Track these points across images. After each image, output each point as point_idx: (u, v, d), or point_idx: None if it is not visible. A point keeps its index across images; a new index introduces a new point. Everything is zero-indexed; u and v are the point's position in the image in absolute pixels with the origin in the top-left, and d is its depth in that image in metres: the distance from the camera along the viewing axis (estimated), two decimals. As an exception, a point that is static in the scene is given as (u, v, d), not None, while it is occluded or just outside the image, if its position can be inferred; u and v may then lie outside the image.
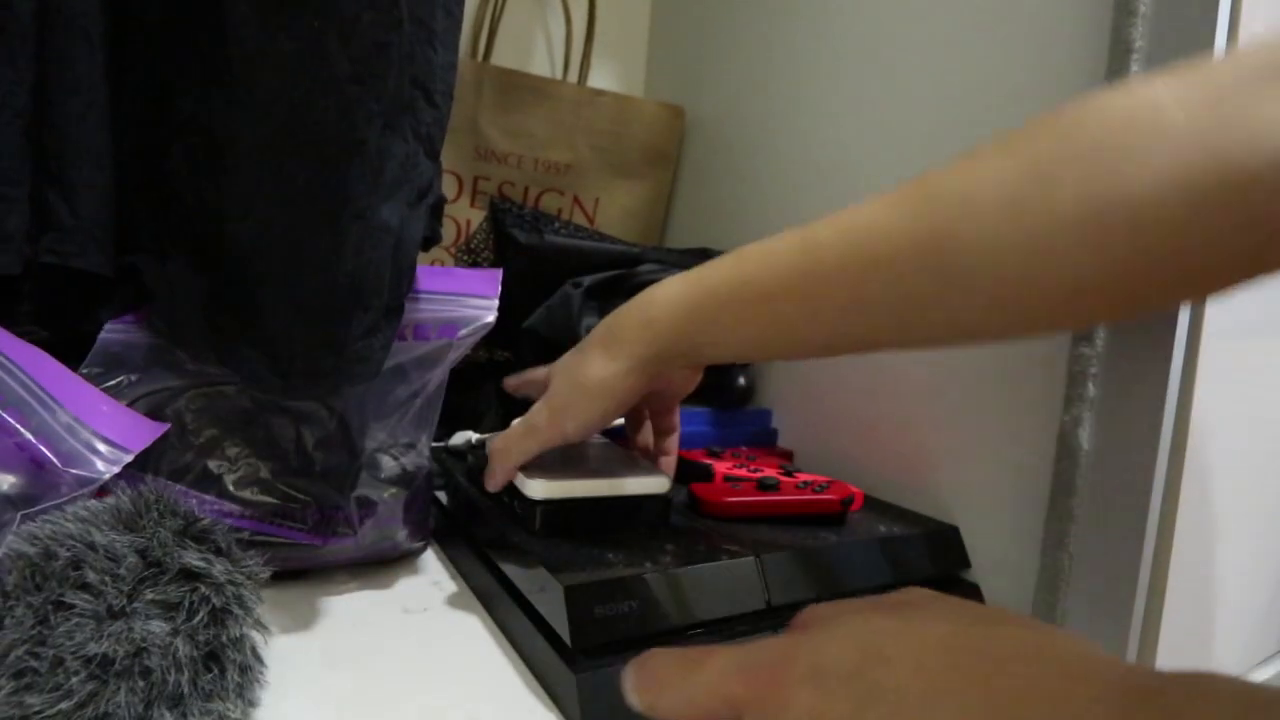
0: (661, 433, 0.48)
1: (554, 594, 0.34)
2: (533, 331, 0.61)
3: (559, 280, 0.62)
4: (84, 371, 0.38)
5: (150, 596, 0.26)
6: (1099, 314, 0.32)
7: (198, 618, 0.26)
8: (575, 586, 0.33)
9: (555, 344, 0.60)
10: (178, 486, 0.38)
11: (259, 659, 0.29)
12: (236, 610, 0.28)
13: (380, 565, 0.45)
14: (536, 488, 0.40)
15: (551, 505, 0.40)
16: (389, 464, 0.43)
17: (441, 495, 0.53)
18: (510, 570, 0.40)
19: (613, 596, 0.34)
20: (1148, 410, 0.37)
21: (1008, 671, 0.18)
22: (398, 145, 0.37)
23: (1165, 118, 0.26)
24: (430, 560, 0.48)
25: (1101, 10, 0.41)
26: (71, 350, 0.38)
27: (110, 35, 0.38)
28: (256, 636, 0.30)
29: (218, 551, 0.29)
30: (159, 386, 0.40)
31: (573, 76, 0.82)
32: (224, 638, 0.27)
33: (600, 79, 0.86)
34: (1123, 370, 0.39)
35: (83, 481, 0.31)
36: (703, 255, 0.66)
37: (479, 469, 0.50)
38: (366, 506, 0.42)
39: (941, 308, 0.30)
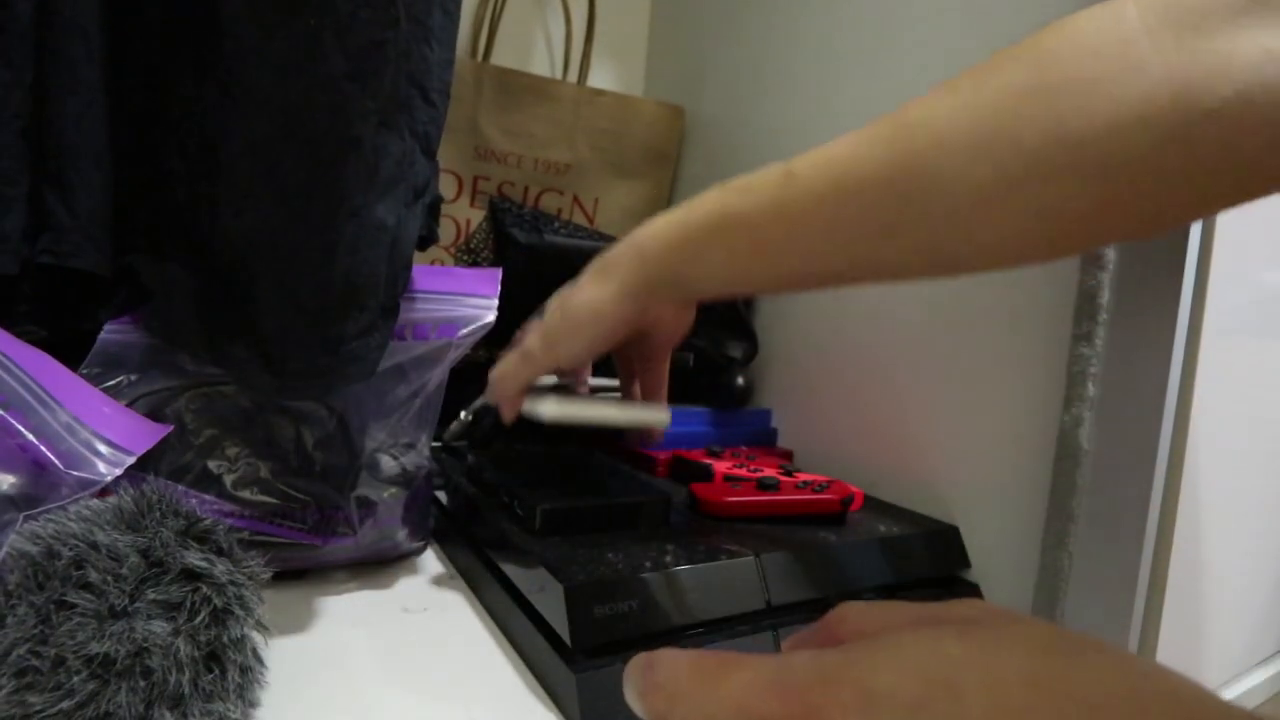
0: (650, 390, 0.48)
1: (554, 594, 0.34)
2: None
3: (559, 280, 0.62)
4: (84, 372, 0.38)
5: (152, 596, 0.26)
6: (1070, 245, 0.32)
7: (199, 618, 0.26)
8: (575, 586, 0.33)
9: None
10: (178, 487, 0.38)
11: (259, 660, 0.29)
12: (238, 611, 0.28)
13: (380, 565, 0.45)
14: (548, 408, 0.40)
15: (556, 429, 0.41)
16: (389, 464, 0.43)
17: (441, 495, 0.53)
18: (510, 570, 0.40)
19: (613, 596, 0.34)
20: (1148, 410, 0.37)
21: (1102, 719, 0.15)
22: (394, 144, 0.37)
23: (1133, 51, 0.27)
24: (430, 560, 0.48)
25: (1101, 10, 0.40)
26: (71, 350, 0.38)
27: (107, 35, 0.38)
28: (257, 637, 0.30)
29: (219, 552, 0.29)
30: (158, 387, 0.40)
31: (572, 76, 0.82)
32: (225, 638, 0.27)
33: (600, 79, 0.86)
34: (1123, 370, 0.39)
35: (85, 483, 0.31)
36: None
37: (478, 469, 0.50)
38: (366, 506, 0.42)
39: (914, 236, 0.31)
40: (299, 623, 0.38)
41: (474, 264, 0.73)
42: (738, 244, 0.36)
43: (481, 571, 0.42)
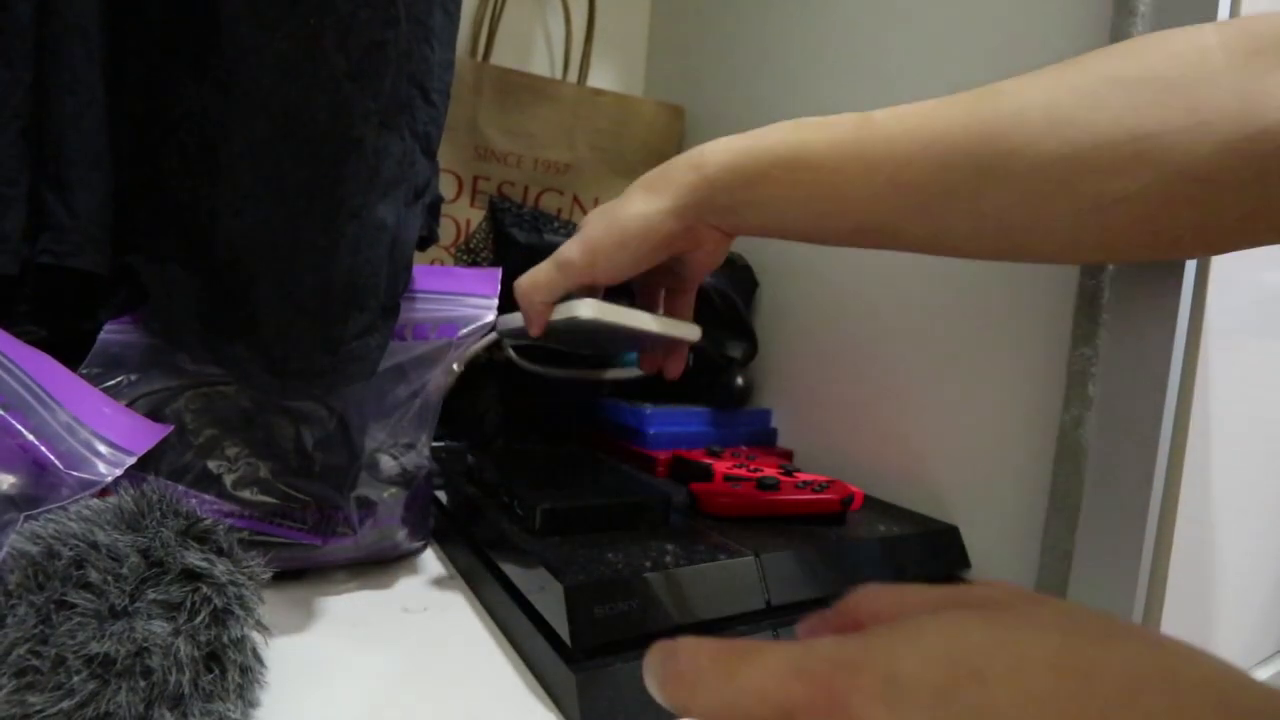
0: (679, 313, 0.47)
1: (554, 594, 0.34)
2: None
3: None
4: (84, 372, 0.38)
5: (152, 596, 0.26)
6: (1120, 249, 0.33)
7: (199, 618, 0.26)
8: (575, 586, 0.33)
9: (554, 344, 0.60)
10: (178, 487, 0.38)
11: (259, 660, 0.29)
12: (238, 611, 0.28)
13: (380, 565, 0.45)
14: (586, 308, 0.38)
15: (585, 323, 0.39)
16: (389, 464, 0.43)
17: (441, 495, 0.53)
18: (510, 570, 0.40)
19: (613, 596, 0.34)
20: (1148, 410, 0.37)
21: (1139, 707, 0.14)
22: (394, 144, 0.37)
23: (1209, 61, 0.29)
24: (430, 560, 0.48)
25: (1101, 10, 0.41)
26: (71, 350, 0.38)
27: (107, 34, 0.38)
28: (257, 637, 0.30)
29: (219, 552, 0.29)
30: (158, 387, 0.40)
31: (572, 76, 0.82)
32: (225, 638, 0.27)
33: (600, 79, 0.86)
34: (1123, 370, 0.39)
35: (85, 484, 0.31)
36: None
37: (479, 469, 0.50)
38: (366, 506, 0.42)
39: (978, 203, 0.32)
40: (299, 623, 0.38)
41: (474, 264, 0.73)
42: (799, 182, 0.35)
43: (481, 571, 0.42)
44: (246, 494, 0.39)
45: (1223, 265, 0.38)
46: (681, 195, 0.37)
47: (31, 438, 0.31)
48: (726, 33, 0.78)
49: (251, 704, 0.29)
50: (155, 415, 0.39)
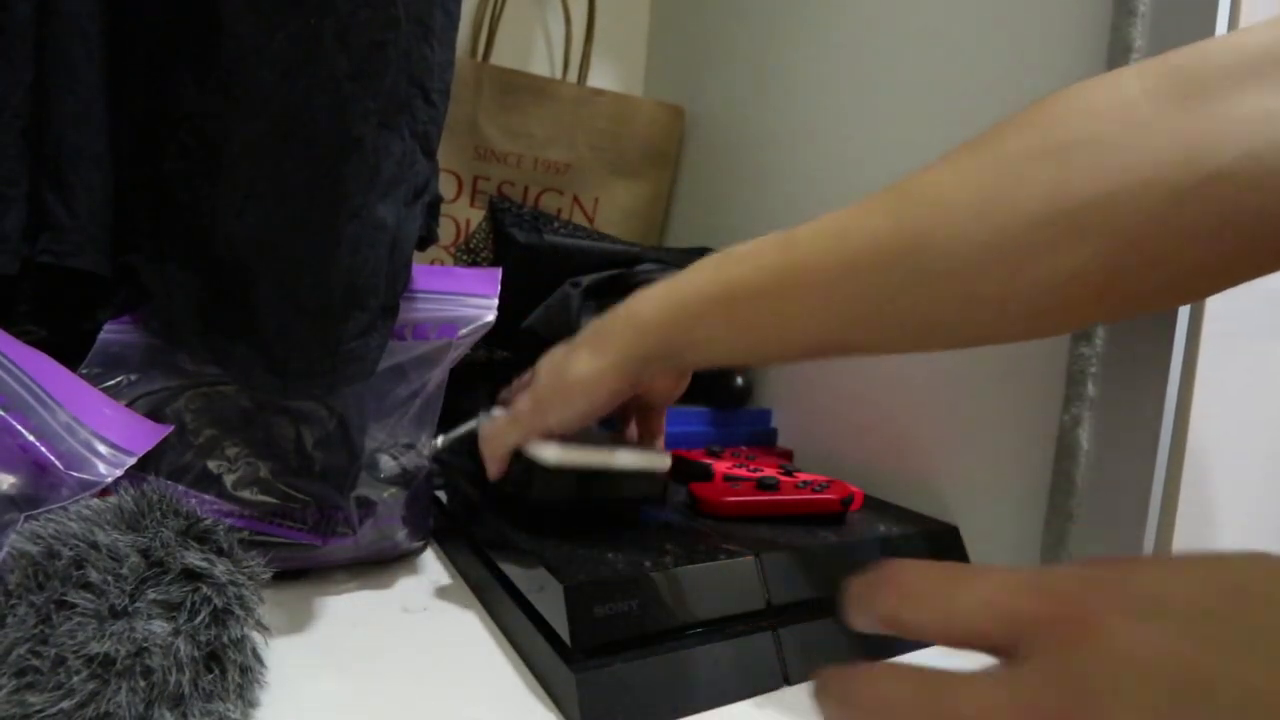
0: (646, 437, 0.49)
1: (554, 594, 0.34)
2: (531, 331, 0.61)
3: (558, 280, 0.63)
4: (83, 372, 0.38)
5: (152, 596, 0.26)
6: (1080, 315, 0.31)
7: (199, 618, 0.26)
8: (575, 586, 0.33)
9: (554, 343, 0.60)
10: (178, 487, 0.38)
11: (259, 660, 0.29)
12: (238, 611, 0.28)
13: (380, 565, 0.45)
14: (550, 453, 0.39)
15: (552, 473, 0.39)
16: (389, 464, 0.43)
17: (441, 495, 0.53)
18: (510, 570, 0.40)
19: (613, 596, 0.34)
20: (1148, 410, 0.38)
21: None
22: (394, 143, 0.37)
23: (1135, 113, 0.27)
24: (430, 560, 0.48)
25: (1101, 10, 0.41)
26: (71, 350, 0.38)
27: (107, 34, 0.38)
28: (257, 637, 0.30)
29: (220, 552, 0.29)
30: (158, 387, 0.40)
31: (572, 76, 0.82)
32: (225, 638, 0.27)
33: (600, 79, 0.86)
34: (1123, 370, 0.39)
35: (85, 484, 0.31)
36: (702, 255, 0.66)
37: (466, 465, 0.50)
38: (366, 506, 0.42)
39: (917, 307, 0.31)
40: (299, 623, 0.38)
41: (473, 264, 0.73)
42: (737, 314, 0.35)
43: (481, 571, 0.42)
44: (246, 494, 0.39)
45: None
46: (621, 352, 0.38)
47: (31, 438, 0.31)
48: (726, 33, 0.78)
49: (251, 704, 0.29)
50: (155, 415, 0.39)
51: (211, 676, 0.26)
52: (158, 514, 0.28)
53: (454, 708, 0.32)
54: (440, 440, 0.50)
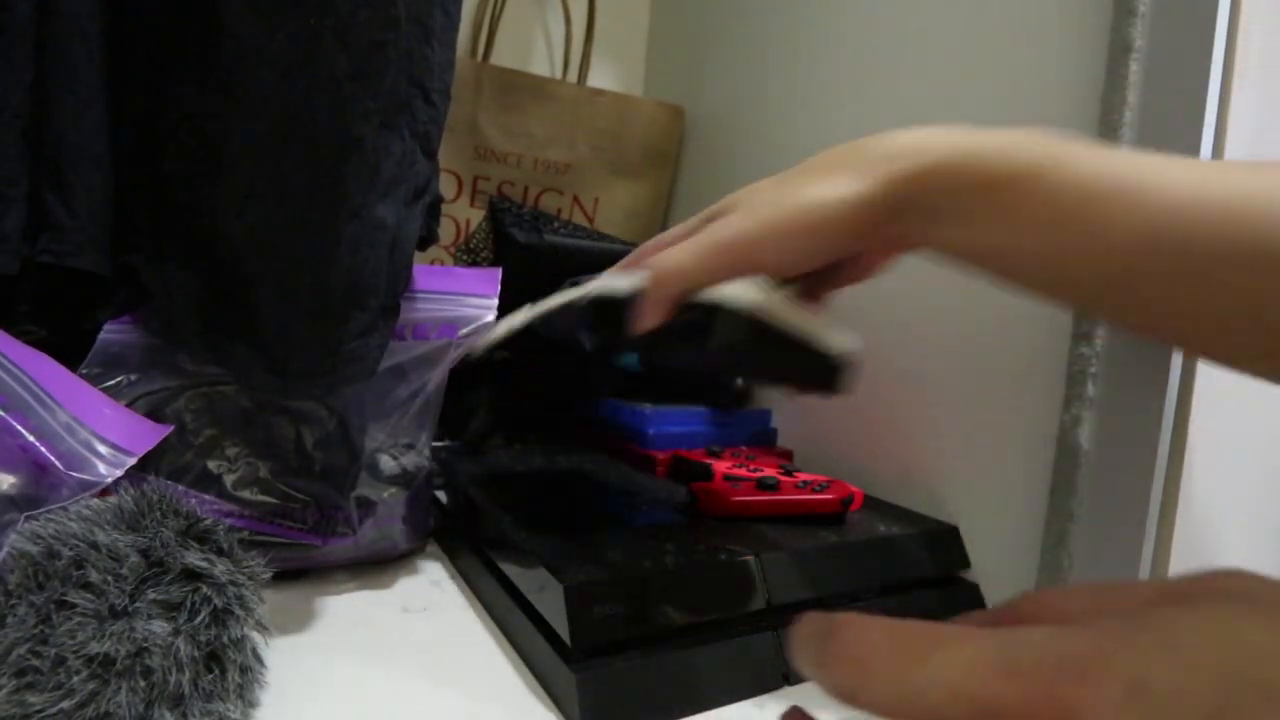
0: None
1: (554, 594, 0.34)
2: (530, 332, 0.61)
3: (558, 280, 0.63)
4: (83, 372, 0.38)
5: (152, 596, 0.26)
6: None
7: (199, 618, 0.26)
8: (575, 586, 0.33)
9: (554, 343, 0.60)
10: (178, 487, 0.38)
11: (259, 660, 0.29)
12: (238, 611, 0.28)
13: (380, 565, 0.45)
14: (745, 295, 0.30)
15: (741, 320, 0.31)
16: (389, 464, 0.43)
17: (441, 495, 0.53)
18: (510, 570, 0.40)
19: (613, 596, 0.34)
20: (1148, 410, 0.37)
21: None
22: (395, 144, 0.37)
23: None
24: (430, 560, 0.48)
25: (1101, 10, 0.41)
26: (71, 350, 0.38)
27: (107, 34, 0.38)
28: (257, 637, 0.30)
29: (220, 552, 0.29)
30: (158, 387, 0.40)
31: (572, 76, 0.82)
32: (225, 638, 0.27)
33: (600, 79, 0.86)
34: (1123, 370, 0.39)
35: (85, 485, 0.31)
36: None
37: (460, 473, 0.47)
38: (366, 506, 0.42)
39: None
40: (299, 623, 0.38)
41: (473, 264, 0.73)
42: (1063, 201, 0.25)
43: (481, 571, 0.42)
44: (246, 494, 0.39)
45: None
46: (884, 185, 0.29)
47: (31, 438, 0.31)
48: (726, 33, 0.78)
49: (251, 704, 0.29)
50: (155, 415, 0.39)
51: (211, 676, 0.26)
52: (158, 514, 0.28)
53: (454, 707, 0.32)
54: (529, 312, 0.42)
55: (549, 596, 0.35)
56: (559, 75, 0.83)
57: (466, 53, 0.78)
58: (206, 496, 0.38)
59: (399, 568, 0.46)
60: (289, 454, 0.40)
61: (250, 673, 0.28)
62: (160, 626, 0.25)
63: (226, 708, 0.27)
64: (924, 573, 0.45)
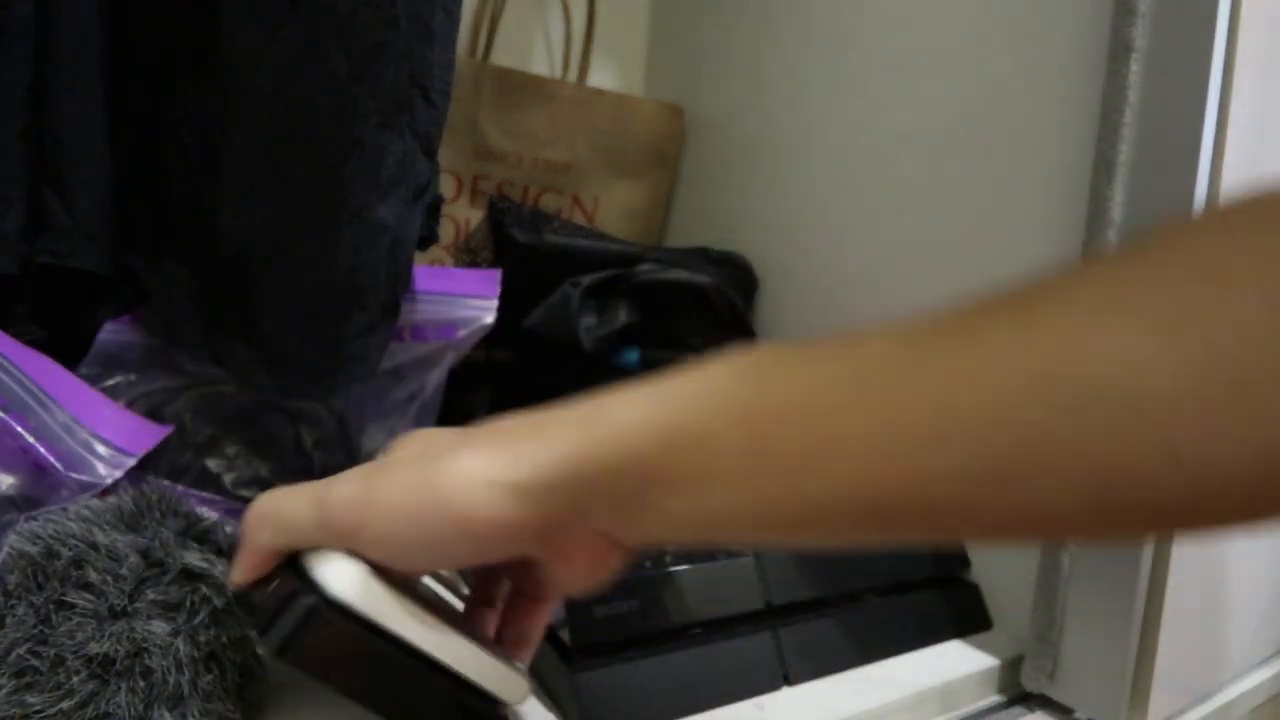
0: (518, 641, 0.28)
1: (554, 594, 0.34)
2: (531, 331, 0.61)
3: (558, 280, 0.63)
4: (82, 372, 0.38)
5: (151, 596, 0.26)
6: None
7: (199, 618, 0.26)
8: (575, 586, 0.33)
9: (553, 343, 0.60)
10: (177, 486, 0.38)
11: (258, 660, 0.29)
12: (237, 611, 0.28)
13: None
14: (344, 576, 0.22)
15: (338, 617, 0.22)
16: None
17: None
18: (510, 570, 0.40)
19: (613, 596, 0.34)
20: (1147, 410, 0.37)
21: None
22: (395, 144, 0.37)
23: None
24: (430, 560, 0.48)
25: (1101, 10, 0.41)
26: (71, 350, 0.38)
27: (107, 35, 0.38)
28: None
29: (219, 552, 0.29)
30: (157, 386, 0.40)
31: (572, 76, 0.82)
32: (224, 638, 0.27)
33: (600, 78, 0.86)
34: (1122, 370, 0.39)
35: (84, 486, 0.31)
36: (702, 255, 0.66)
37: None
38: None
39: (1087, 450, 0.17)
40: (299, 623, 0.38)
41: (473, 264, 0.73)
42: (770, 438, 0.20)
43: (481, 571, 0.42)
44: (246, 493, 0.39)
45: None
46: (551, 470, 0.22)
47: (31, 439, 0.31)
48: (726, 33, 0.78)
49: (252, 704, 0.29)
50: (155, 414, 0.39)
51: (211, 677, 0.26)
52: (157, 514, 0.28)
53: (454, 708, 0.32)
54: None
55: (549, 597, 0.34)
56: (559, 75, 0.83)
57: (466, 52, 0.78)
58: (206, 495, 0.38)
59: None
60: (288, 453, 0.40)
61: (250, 673, 0.28)
62: (159, 627, 0.25)
63: (226, 707, 0.27)
64: (924, 573, 0.45)
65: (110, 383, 0.39)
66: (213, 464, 0.39)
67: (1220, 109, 0.36)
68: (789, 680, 0.37)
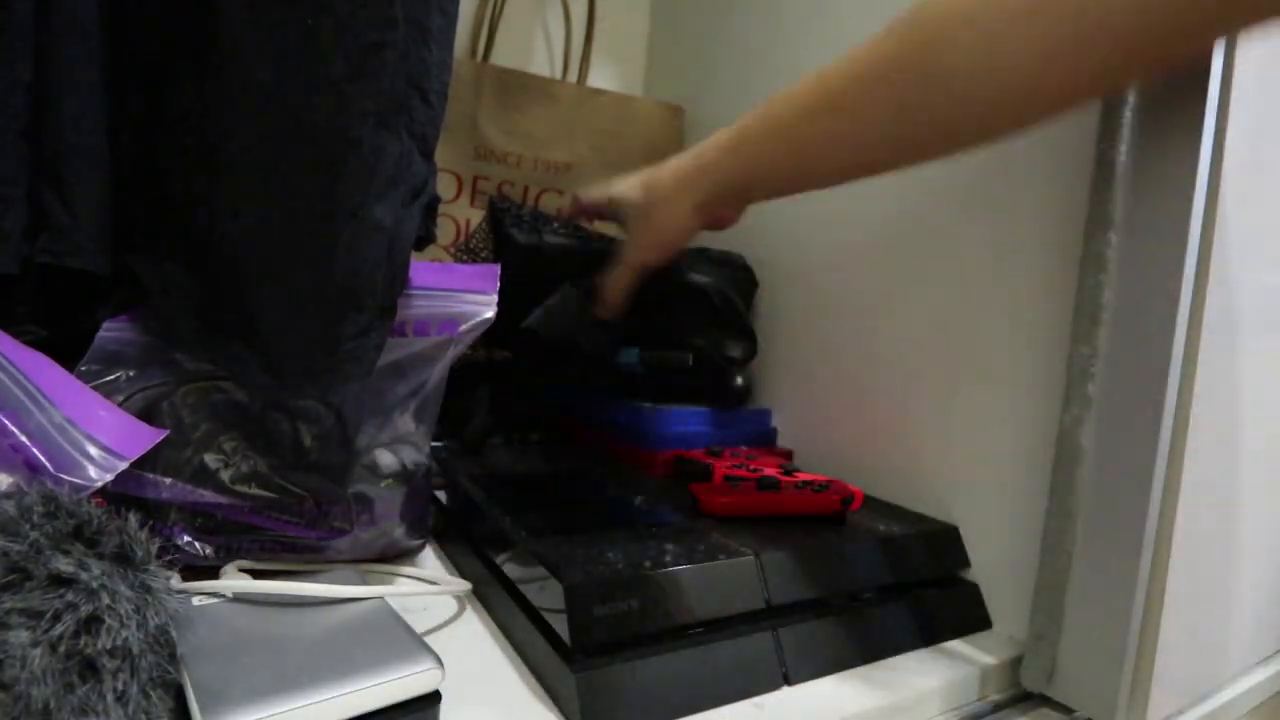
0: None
1: (554, 593, 0.34)
2: (531, 331, 0.61)
3: (558, 280, 0.63)
4: (81, 369, 0.38)
5: (9, 605, 0.24)
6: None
7: (60, 626, 0.24)
8: (575, 586, 0.33)
9: (553, 344, 0.60)
10: (169, 480, 0.37)
11: (157, 668, 0.27)
12: (109, 619, 0.26)
13: (379, 564, 0.45)
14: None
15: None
16: (388, 460, 0.43)
17: (441, 494, 0.53)
18: (510, 570, 0.40)
19: (613, 596, 0.34)
20: (1148, 410, 0.37)
21: None
22: (392, 144, 0.37)
23: None
24: (430, 559, 0.48)
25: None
26: (70, 350, 0.38)
27: (107, 35, 0.38)
28: (161, 643, 0.27)
29: (121, 557, 0.27)
30: (155, 382, 0.40)
31: (572, 76, 0.82)
32: (98, 646, 0.25)
33: (600, 79, 0.86)
34: (1123, 370, 0.39)
35: (76, 488, 0.30)
36: (701, 254, 0.66)
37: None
38: (363, 503, 0.42)
39: (933, 114, 0.36)
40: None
41: (473, 264, 0.73)
42: (782, 147, 0.43)
43: (481, 571, 0.42)
44: (243, 488, 0.39)
45: (1222, 265, 0.38)
46: (695, 194, 0.48)
47: (24, 439, 0.30)
48: (726, 33, 0.78)
49: (146, 713, 0.26)
50: (151, 409, 0.39)
51: (87, 687, 0.24)
52: (36, 517, 0.26)
53: (454, 707, 0.32)
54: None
55: (549, 596, 0.35)
56: (559, 75, 0.83)
57: (466, 53, 0.78)
58: (204, 491, 0.38)
59: (398, 566, 0.46)
60: (285, 449, 0.40)
61: (137, 680, 0.26)
62: (19, 636, 0.23)
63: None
64: (924, 573, 0.45)
65: (109, 378, 0.39)
66: (210, 460, 0.39)
67: (1220, 109, 0.37)
68: (789, 680, 0.37)
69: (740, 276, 0.67)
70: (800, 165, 0.43)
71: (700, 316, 0.63)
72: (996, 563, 0.46)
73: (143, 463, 0.37)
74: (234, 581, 0.34)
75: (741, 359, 0.66)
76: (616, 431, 0.64)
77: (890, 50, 0.36)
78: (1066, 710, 0.40)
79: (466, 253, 0.73)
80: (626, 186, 0.53)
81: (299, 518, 0.40)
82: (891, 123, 0.37)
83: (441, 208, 0.64)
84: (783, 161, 0.43)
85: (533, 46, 0.85)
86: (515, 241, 0.65)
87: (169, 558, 0.32)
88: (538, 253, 0.64)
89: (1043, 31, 0.31)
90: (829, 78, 0.39)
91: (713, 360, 0.65)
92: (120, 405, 0.38)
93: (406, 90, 0.37)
